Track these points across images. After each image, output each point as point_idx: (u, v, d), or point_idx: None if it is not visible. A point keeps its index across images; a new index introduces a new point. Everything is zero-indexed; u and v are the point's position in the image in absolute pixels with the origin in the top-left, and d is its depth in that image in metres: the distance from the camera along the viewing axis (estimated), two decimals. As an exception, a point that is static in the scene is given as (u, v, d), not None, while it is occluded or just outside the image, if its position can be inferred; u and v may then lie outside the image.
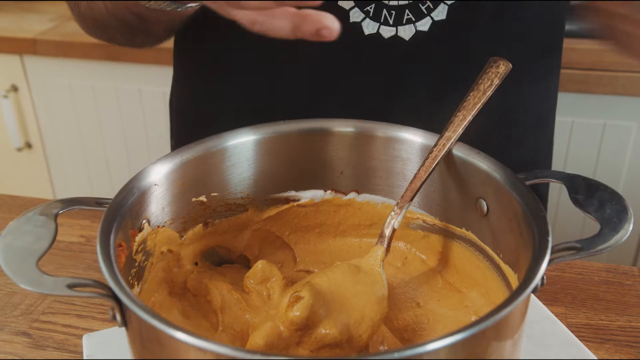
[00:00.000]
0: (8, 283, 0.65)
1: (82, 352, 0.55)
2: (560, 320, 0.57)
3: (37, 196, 0.92)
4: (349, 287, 0.48)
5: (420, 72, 0.66)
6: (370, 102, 0.66)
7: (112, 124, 1.58)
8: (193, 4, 0.52)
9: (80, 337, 0.57)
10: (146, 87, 1.50)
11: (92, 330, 0.58)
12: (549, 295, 0.62)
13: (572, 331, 0.56)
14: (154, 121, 1.55)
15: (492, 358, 0.37)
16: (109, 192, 1.08)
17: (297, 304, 0.45)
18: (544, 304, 0.59)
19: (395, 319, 0.52)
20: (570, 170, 1.48)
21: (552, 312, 0.58)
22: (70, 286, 0.38)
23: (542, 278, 0.40)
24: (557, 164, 1.33)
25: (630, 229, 0.42)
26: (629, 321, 0.59)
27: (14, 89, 1.58)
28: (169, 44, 0.76)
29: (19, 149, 1.65)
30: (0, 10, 1.65)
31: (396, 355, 0.32)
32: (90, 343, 0.55)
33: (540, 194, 0.80)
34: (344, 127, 0.54)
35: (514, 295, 0.36)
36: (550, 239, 0.40)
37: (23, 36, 1.49)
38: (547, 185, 0.81)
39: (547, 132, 0.79)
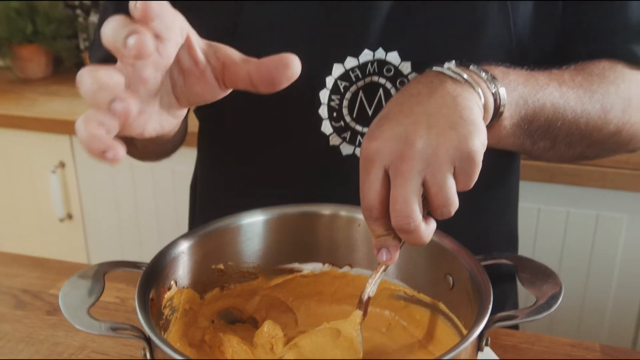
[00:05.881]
0: (54, 334, 0.76)
1: (113, 394, 0.66)
2: (524, 385, 0.66)
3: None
4: (327, 350, 0.58)
5: None
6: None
7: (146, 200, 1.73)
8: None
9: (112, 381, 0.68)
10: (178, 167, 1.65)
11: (122, 376, 0.69)
12: (517, 364, 0.71)
13: (533, 395, 0.64)
14: (183, 198, 1.68)
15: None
16: (139, 260, 1.20)
17: (284, 364, 0.56)
18: (511, 371, 0.68)
19: (376, 375, 0.62)
20: (565, 259, 1.56)
21: (517, 378, 0.67)
22: (114, 329, 0.50)
23: (486, 339, 0.51)
24: (553, 253, 1.41)
25: (557, 304, 0.52)
26: (584, 389, 0.67)
27: (62, 165, 1.74)
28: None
29: (61, 220, 1.79)
30: (57, 95, 1.85)
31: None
32: (120, 385, 0.65)
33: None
34: (338, 211, 0.66)
35: (454, 347, 0.46)
36: (489, 308, 0.50)
37: (73, 118, 1.66)
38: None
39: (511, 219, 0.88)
